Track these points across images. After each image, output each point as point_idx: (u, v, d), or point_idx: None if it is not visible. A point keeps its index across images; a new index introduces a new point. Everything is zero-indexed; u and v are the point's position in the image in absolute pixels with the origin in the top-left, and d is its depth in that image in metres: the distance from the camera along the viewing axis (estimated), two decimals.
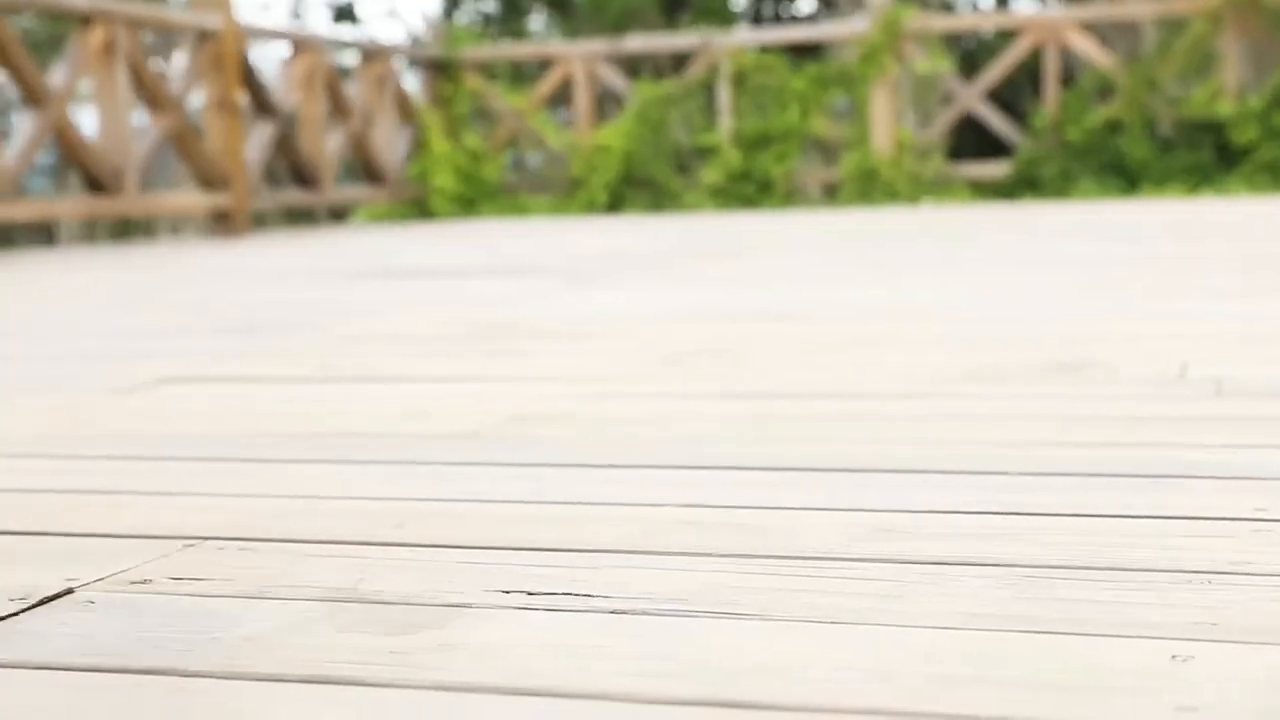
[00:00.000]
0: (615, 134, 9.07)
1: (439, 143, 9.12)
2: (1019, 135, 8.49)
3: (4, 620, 0.82)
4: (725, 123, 9.07)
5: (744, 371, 1.79)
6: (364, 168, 8.73)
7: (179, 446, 1.38)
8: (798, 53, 9.40)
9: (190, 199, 7.39)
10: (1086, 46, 8.34)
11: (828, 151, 9.18)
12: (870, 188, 8.58)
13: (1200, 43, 8.08)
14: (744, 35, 9.59)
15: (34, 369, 2.12)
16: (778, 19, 13.85)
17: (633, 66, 9.75)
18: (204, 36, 7.22)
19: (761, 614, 0.78)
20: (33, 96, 6.21)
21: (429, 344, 2.26)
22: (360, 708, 0.67)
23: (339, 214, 9.71)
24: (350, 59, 9.69)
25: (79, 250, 7.27)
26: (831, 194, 9.10)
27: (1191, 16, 8.10)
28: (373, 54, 8.80)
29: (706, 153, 9.10)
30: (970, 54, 10.23)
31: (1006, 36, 9.25)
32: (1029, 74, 9.03)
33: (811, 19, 13.65)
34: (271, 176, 8.21)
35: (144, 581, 0.89)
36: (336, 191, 8.39)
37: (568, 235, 6.35)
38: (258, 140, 7.56)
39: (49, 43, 10.15)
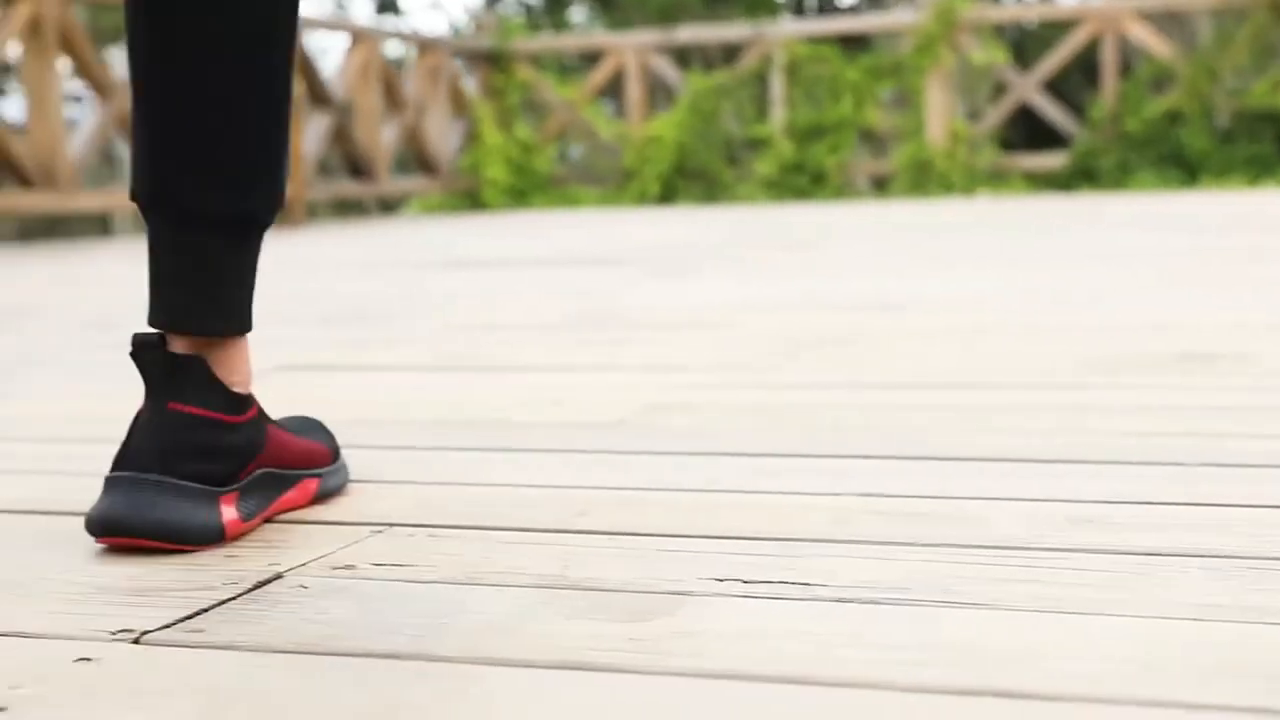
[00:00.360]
0: (668, 125, 9.06)
1: (491, 134, 9.13)
2: (1074, 126, 8.42)
3: (226, 604, 0.82)
4: (778, 114, 9.04)
5: (870, 362, 1.78)
6: (417, 159, 8.75)
7: (341, 434, 1.38)
8: (844, 43, 9.36)
9: None
10: (1145, 36, 8.26)
11: (875, 143, 9.14)
12: (924, 179, 8.53)
13: (1261, 33, 8.00)
14: (797, 26, 9.55)
15: None
16: (821, 10, 13.79)
17: (682, 58, 9.73)
18: None
19: (989, 604, 0.78)
20: (96, 87, 6.26)
21: (531, 333, 2.26)
22: (620, 695, 0.67)
23: (389, 205, 9.73)
24: (400, 50, 9.71)
25: (139, 241, 7.32)
26: (879, 186, 9.06)
27: (1251, 7, 8.02)
28: (427, 46, 8.83)
29: (758, 144, 9.07)
30: (1017, 43, 10.16)
31: (1056, 26, 9.17)
32: (1081, 64, 8.96)
33: (853, 10, 13.59)
34: (322, 167, 8.24)
35: (347, 567, 0.90)
36: (390, 183, 8.41)
37: (627, 226, 6.35)
38: (314, 131, 7.58)
39: (99, 34, 10.21)
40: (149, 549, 0.94)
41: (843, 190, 8.88)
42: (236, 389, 0.98)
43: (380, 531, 0.98)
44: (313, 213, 8.14)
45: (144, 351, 0.95)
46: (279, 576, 0.88)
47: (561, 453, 1.25)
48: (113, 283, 4.18)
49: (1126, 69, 8.51)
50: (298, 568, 0.90)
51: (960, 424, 1.32)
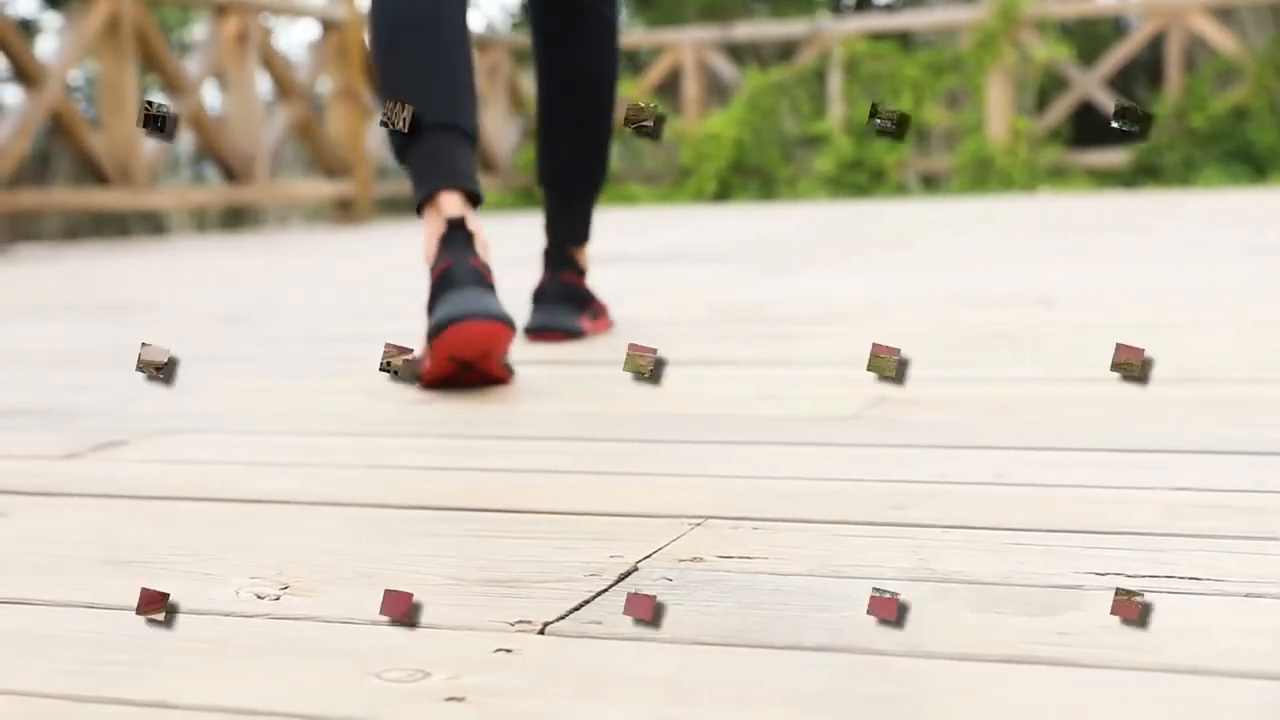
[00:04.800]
0: (726, 122, 9.04)
1: None
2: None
3: (602, 596, 0.80)
4: (836, 110, 9.01)
5: (1065, 356, 1.75)
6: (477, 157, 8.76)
7: (587, 427, 1.37)
8: (897, 39, 9.32)
9: (314, 186, 7.45)
10: (1210, 31, 8.20)
11: (923, 140, 9.10)
12: (985, 176, 8.49)
13: None
14: (856, 22, 9.52)
15: (328, 351, 2.13)
16: (858, 8, 13.73)
17: (736, 54, 9.71)
18: (328, 26, 7.26)
19: None
20: (171, 85, 6.28)
21: (684, 328, 2.24)
22: (1096, 690, 0.64)
23: None
24: None
25: (201, 240, 7.34)
26: (928, 183, 9.01)
27: None
28: (486, 44, 8.83)
29: (815, 141, 9.05)
30: (1076, 38, 10.10)
31: (1118, 22, 9.11)
32: (1144, 60, 8.90)
33: (888, 8, 13.52)
34: (379, 169, 8.23)
35: (695, 559, 0.88)
36: None
37: (705, 223, 6.32)
38: (378, 131, 7.59)
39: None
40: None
41: (900, 188, 8.84)
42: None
43: (699, 524, 0.97)
44: (375, 212, 8.14)
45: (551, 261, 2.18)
46: (635, 569, 0.86)
47: (819, 446, 1.23)
48: (213, 280, 4.18)
49: (1190, 65, 8.45)
50: (644, 560, 0.88)
51: (1226, 417, 1.29)
